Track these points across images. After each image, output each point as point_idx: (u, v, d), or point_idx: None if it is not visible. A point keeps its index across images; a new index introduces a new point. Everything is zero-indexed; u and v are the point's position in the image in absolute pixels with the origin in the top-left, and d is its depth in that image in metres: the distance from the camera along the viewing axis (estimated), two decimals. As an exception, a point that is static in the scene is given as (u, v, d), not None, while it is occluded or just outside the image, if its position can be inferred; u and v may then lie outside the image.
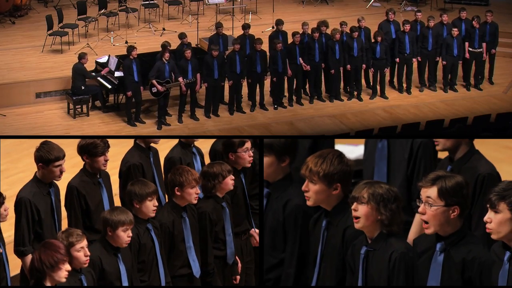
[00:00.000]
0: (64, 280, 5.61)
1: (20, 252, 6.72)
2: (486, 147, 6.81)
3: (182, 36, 14.51)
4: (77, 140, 7.14)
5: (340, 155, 5.82)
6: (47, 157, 6.65)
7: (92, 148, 6.99)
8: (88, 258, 5.88)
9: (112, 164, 7.39)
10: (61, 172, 6.74)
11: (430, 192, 5.32)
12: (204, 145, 7.99)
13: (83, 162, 7.13)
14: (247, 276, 7.52)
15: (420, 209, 5.37)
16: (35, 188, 6.75)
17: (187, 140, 7.76)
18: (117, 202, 7.45)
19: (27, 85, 14.55)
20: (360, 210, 5.45)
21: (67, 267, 5.61)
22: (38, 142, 6.81)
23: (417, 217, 6.82)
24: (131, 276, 6.34)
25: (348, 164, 5.80)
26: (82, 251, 5.84)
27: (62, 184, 7.16)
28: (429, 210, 5.32)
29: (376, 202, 5.40)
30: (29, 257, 6.54)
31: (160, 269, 6.61)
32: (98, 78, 14.36)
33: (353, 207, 5.49)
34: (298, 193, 6.08)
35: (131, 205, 6.52)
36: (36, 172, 6.79)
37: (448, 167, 6.44)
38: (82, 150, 7.05)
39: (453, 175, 5.39)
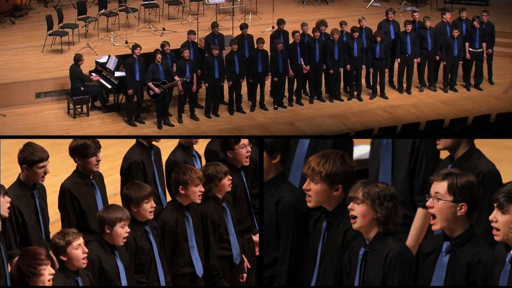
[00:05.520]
0: (49, 284, 5.49)
1: (7, 255, 6.68)
2: (486, 147, 6.81)
3: (189, 32, 14.45)
4: (77, 141, 7.12)
5: (343, 156, 5.80)
6: (31, 158, 6.65)
7: (83, 149, 6.97)
8: (86, 256, 5.82)
9: (112, 164, 7.40)
10: (45, 173, 6.73)
11: (440, 186, 5.33)
12: (204, 145, 7.97)
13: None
14: (247, 276, 7.50)
15: (428, 203, 5.37)
16: (18, 190, 6.73)
17: (186, 142, 7.74)
18: (117, 201, 7.44)
19: (27, 85, 14.54)
20: (357, 209, 5.45)
21: (50, 270, 5.48)
22: (38, 142, 6.80)
23: (419, 212, 6.85)
24: (129, 273, 6.32)
25: (351, 165, 5.79)
26: (79, 248, 5.78)
27: (55, 186, 7.14)
28: (437, 204, 5.31)
29: (372, 200, 5.39)
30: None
31: (159, 271, 6.60)
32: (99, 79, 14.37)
33: (349, 206, 5.49)
34: (290, 190, 6.12)
35: (128, 209, 6.49)
36: (19, 174, 6.77)
37: (448, 166, 6.45)
38: (73, 152, 7.03)
39: (466, 173, 5.38)
